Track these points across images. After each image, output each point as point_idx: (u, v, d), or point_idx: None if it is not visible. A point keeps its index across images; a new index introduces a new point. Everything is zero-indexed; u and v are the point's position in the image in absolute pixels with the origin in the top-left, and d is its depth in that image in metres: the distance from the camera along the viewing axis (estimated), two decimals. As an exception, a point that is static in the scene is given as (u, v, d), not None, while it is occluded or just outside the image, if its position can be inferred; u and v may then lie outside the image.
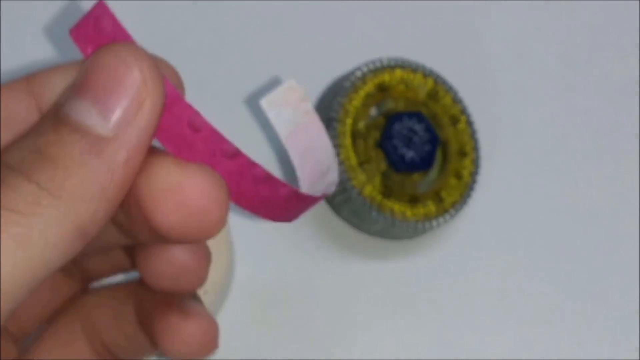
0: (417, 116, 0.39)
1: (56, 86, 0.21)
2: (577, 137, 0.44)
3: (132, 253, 0.25)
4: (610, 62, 0.45)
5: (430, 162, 0.39)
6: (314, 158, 0.25)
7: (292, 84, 0.25)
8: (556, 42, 0.45)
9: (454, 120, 0.40)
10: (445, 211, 0.39)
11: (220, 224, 0.20)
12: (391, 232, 0.39)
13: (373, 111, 0.40)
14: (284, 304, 0.39)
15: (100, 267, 0.27)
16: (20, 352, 0.26)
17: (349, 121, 0.39)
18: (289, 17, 0.43)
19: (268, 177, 0.20)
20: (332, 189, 0.24)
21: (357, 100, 0.39)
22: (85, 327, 0.26)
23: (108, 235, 0.22)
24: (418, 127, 0.39)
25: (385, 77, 0.40)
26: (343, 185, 0.38)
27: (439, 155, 0.40)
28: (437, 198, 0.39)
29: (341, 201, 0.39)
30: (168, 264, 0.23)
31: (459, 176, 0.39)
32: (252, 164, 0.20)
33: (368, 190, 0.38)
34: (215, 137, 0.20)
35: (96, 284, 0.28)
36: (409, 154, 0.38)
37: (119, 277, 0.28)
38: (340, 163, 0.38)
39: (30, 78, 0.21)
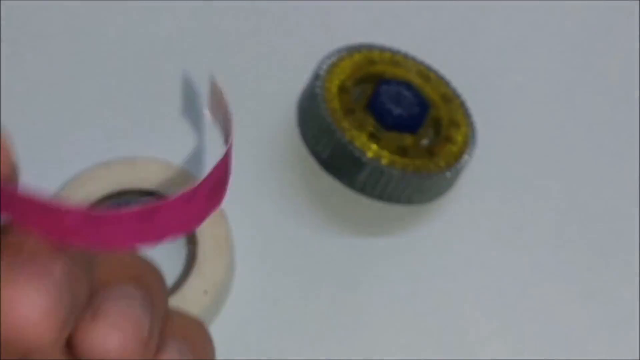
0: (407, 84, 0.39)
1: None
2: (576, 124, 0.44)
3: None
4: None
5: (419, 123, 0.38)
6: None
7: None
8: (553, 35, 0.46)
9: (446, 99, 0.40)
10: (439, 168, 0.37)
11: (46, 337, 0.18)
12: (382, 188, 0.38)
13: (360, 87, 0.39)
14: (285, 304, 0.39)
15: None
16: None
17: (335, 80, 0.38)
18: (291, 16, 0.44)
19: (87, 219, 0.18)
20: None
21: (345, 64, 0.39)
22: None
23: None
24: (407, 93, 0.39)
25: (375, 54, 0.40)
26: (328, 129, 0.37)
27: (431, 131, 0.39)
28: (429, 154, 0.38)
29: (326, 148, 0.38)
30: None
31: (452, 141, 0.39)
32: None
33: (353, 133, 0.37)
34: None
35: None
36: (397, 110, 0.38)
37: None
38: (325, 109, 0.37)
39: None
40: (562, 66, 0.46)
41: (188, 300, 0.35)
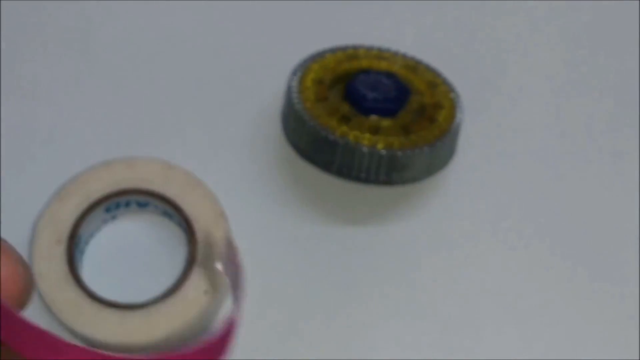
0: (387, 74, 0.39)
1: None
2: (571, 116, 0.44)
3: None
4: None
5: (398, 107, 0.38)
6: None
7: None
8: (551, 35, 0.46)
9: (433, 85, 0.40)
10: (414, 145, 0.37)
11: None
12: (357, 167, 0.37)
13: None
14: (285, 304, 0.39)
15: None
16: None
17: (311, 74, 0.39)
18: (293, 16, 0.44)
19: None
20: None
21: (327, 60, 0.40)
22: None
23: None
24: (386, 81, 0.39)
25: (361, 51, 0.41)
26: (300, 117, 0.37)
27: (414, 116, 0.39)
28: (405, 133, 0.37)
29: (302, 137, 0.38)
30: None
31: (433, 121, 0.38)
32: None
33: (324, 119, 0.37)
34: None
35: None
36: (372, 94, 0.38)
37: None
38: (298, 99, 0.38)
39: None
40: (559, 55, 0.46)
41: (188, 300, 0.35)
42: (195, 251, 0.36)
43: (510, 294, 0.39)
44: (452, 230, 0.40)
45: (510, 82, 0.44)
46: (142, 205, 0.38)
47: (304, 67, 0.40)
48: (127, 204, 0.38)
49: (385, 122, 0.38)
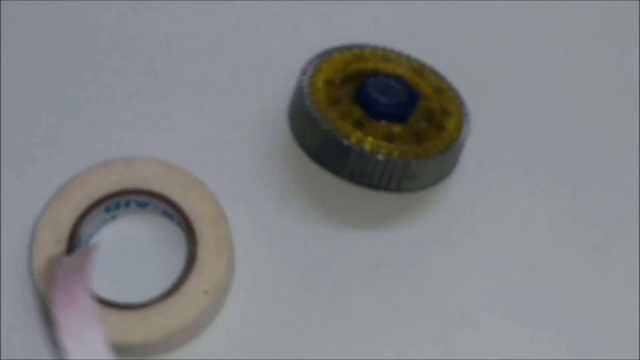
0: (395, 77, 0.39)
1: None
2: (573, 117, 0.44)
3: None
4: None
5: (408, 112, 0.38)
6: None
7: None
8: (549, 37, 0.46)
9: (439, 91, 0.40)
10: (427, 153, 0.37)
11: None
12: (370, 174, 0.37)
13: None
14: (285, 304, 0.39)
15: None
16: None
17: (322, 75, 0.39)
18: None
19: None
20: None
21: (335, 59, 0.39)
22: None
23: None
24: (396, 85, 0.39)
25: (367, 52, 0.40)
26: (312, 119, 0.37)
27: (423, 122, 0.39)
28: (418, 140, 0.38)
29: (313, 140, 0.38)
30: None
31: (442, 129, 0.38)
32: None
33: (338, 123, 0.37)
34: None
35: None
36: (383, 99, 0.38)
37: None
38: (310, 101, 0.38)
39: None
40: (562, 57, 0.46)
41: (188, 300, 0.35)
42: (195, 251, 0.36)
43: (515, 300, 0.39)
44: (459, 236, 0.40)
45: (513, 89, 0.44)
46: (142, 205, 0.38)
47: (314, 67, 0.39)
48: (127, 204, 0.38)
49: (397, 129, 0.38)
